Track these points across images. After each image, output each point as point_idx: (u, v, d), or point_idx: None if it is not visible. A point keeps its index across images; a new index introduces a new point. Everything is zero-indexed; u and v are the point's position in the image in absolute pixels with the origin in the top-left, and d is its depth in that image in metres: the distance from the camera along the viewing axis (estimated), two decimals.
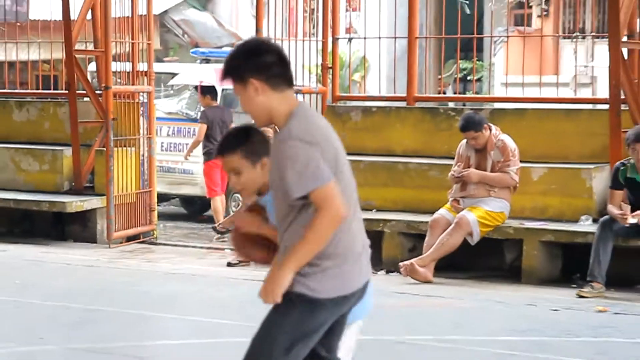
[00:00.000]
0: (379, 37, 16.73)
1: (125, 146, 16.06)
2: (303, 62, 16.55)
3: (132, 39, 16.51)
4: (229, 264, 14.23)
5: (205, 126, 17.19)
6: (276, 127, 4.98)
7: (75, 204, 15.76)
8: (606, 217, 12.19)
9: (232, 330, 9.97)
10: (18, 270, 13.60)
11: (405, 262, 11.49)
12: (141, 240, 16.20)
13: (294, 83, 5.08)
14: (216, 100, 18.15)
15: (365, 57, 19.60)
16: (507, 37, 23.83)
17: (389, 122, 15.76)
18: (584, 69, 24.74)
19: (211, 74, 19.17)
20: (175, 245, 16.42)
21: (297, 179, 4.73)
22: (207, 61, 22.15)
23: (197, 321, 10.53)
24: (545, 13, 26.51)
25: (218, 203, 17.42)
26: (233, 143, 5.27)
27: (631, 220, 11.85)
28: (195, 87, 19.14)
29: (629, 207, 12.27)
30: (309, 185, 4.75)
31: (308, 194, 4.76)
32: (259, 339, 5.02)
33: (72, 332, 10.01)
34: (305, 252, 4.88)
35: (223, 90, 19.25)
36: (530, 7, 27.10)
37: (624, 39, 13.79)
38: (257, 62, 4.90)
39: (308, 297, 4.90)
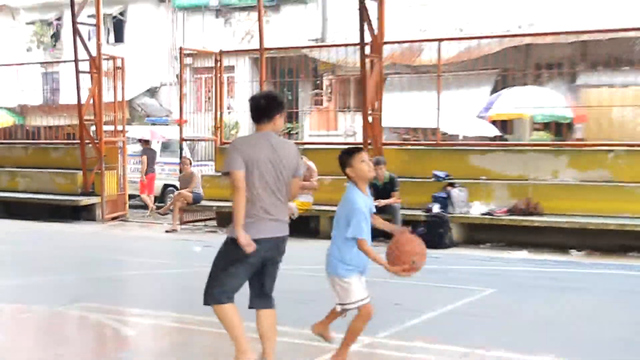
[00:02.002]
0: (244, 112, 20.87)
1: (110, 170, 19.09)
2: (205, 124, 20.07)
3: (114, 113, 19.51)
4: (166, 232, 17.11)
5: (145, 157, 20.59)
6: None
7: (84, 200, 18.88)
8: None
9: (167, 265, 12.55)
10: (58, 235, 16.74)
11: None
12: (120, 219, 19.12)
13: (261, 121, 6.04)
14: (150, 144, 21.20)
15: (237, 122, 23.82)
16: (311, 111, 26.30)
17: None
18: (350, 127, 24.92)
19: (149, 131, 22.70)
20: (137, 222, 19.25)
21: (224, 163, 6.04)
22: (154, 124, 25.43)
23: (147, 261, 12.96)
24: (329, 98, 26.95)
25: (147, 197, 20.76)
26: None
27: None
28: (139, 140, 21.96)
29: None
30: (225, 167, 6.00)
31: (227, 172, 5.95)
32: (213, 263, 6.09)
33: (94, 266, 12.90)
34: (234, 212, 5.94)
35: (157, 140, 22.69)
36: (322, 95, 27.22)
37: (370, 111, 15.86)
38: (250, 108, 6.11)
39: (232, 238, 5.91)
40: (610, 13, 19.99)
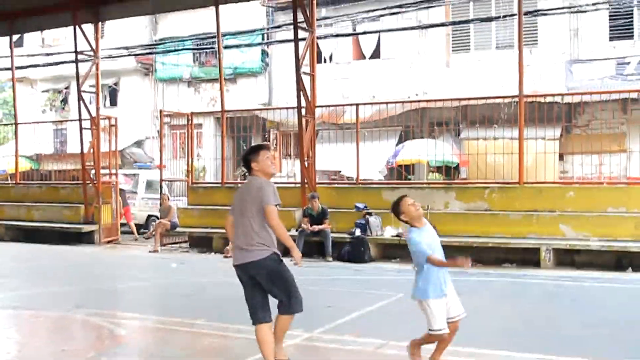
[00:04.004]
0: (210, 159, 20.65)
1: (106, 204, 18.72)
2: (179, 167, 19.96)
3: (109, 160, 19.37)
4: (150, 252, 16.56)
5: (119, 198, 19.29)
6: None
7: (86, 228, 18.52)
8: (301, 228, 14.06)
9: (151, 278, 12.31)
10: (65, 254, 16.35)
11: None
12: (114, 242, 18.62)
13: (247, 169, 5.78)
14: (123, 191, 20.14)
15: (205, 166, 23.35)
16: None
17: (214, 192, 17.47)
18: (291, 170, 23.25)
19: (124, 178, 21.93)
20: (127, 244, 18.66)
21: None
22: (140, 167, 24.90)
23: (135, 275, 12.70)
24: (275, 148, 24.71)
25: (133, 225, 20.01)
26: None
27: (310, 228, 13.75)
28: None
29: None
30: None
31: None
32: None
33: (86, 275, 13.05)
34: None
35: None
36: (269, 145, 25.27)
37: (306, 158, 15.47)
38: None
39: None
40: (483, 83, 20.70)
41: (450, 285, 5.58)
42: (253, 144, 6.32)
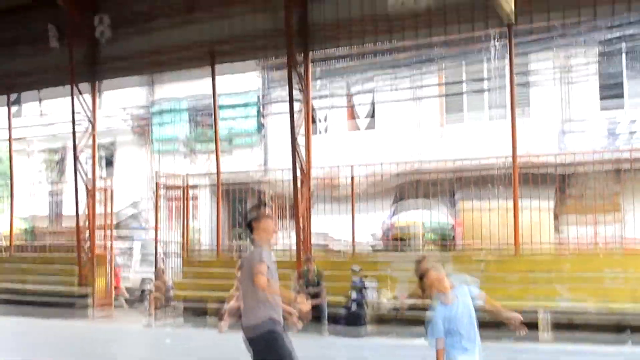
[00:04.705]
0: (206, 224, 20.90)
1: (101, 277, 18.83)
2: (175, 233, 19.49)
3: (105, 233, 19.19)
4: (144, 326, 16.64)
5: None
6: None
7: (79, 302, 18.40)
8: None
9: (147, 351, 12.99)
10: (60, 329, 16.25)
11: None
12: (108, 314, 18.51)
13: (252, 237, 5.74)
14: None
15: (200, 228, 23.04)
16: None
17: (209, 264, 17.66)
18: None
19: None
20: (121, 314, 18.85)
21: None
22: (135, 229, 25.73)
23: (130, 353, 12.92)
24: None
25: (124, 291, 20.26)
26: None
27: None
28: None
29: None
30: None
31: None
32: None
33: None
34: None
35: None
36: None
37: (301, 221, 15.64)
38: None
39: None
40: (476, 147, 20.71)
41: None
42: (252, 209, 6.39)
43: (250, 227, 5.87)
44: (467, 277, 5.54)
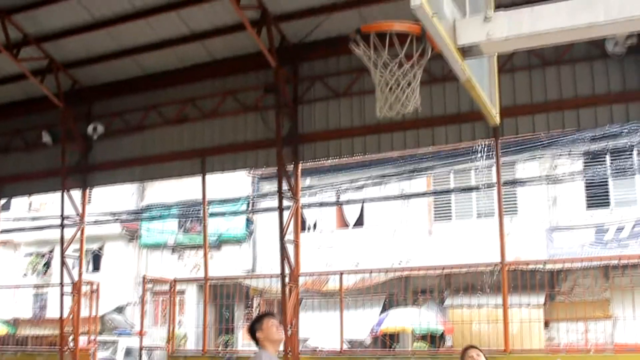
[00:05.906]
0: (192, 326, 21.35)
1: None
2: (161, 335, 19.84)
3: (89, 327, 18.91)
4: None
5: None
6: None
7: None
8: None
9: None
10: None
11: None
12: None
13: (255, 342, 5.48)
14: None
15: (186, 334, 22.52)
16: (244, 326, 26.37)
17: None
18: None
19: None
20: None
21: None
22: (120, 334, 24.77)
23: None
24: None
25: None
26: None
27: None
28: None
29: None
30: None
31: None
32: None
33: None
34: None
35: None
36: (252, 314, 24.24)
37: (289, 326, 14.68)
38: None
39: None
40: (466, 251, 20.61)
41: None
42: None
43: (253, 334, 5.58)
44: None
